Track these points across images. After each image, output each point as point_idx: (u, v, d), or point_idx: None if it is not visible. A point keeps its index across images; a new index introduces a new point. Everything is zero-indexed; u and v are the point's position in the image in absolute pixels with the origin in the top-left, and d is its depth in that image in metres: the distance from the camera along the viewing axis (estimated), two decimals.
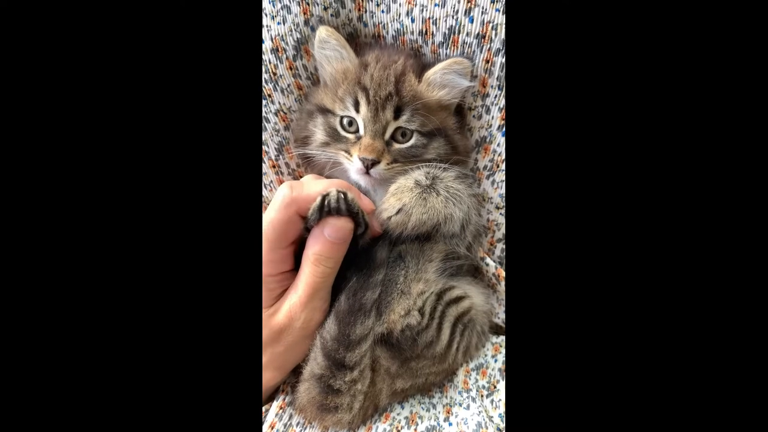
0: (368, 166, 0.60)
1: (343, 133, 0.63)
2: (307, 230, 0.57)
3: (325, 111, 0.64)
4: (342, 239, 0.55)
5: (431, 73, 0.62)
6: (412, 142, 0.62)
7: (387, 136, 0.61)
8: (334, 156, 0.63)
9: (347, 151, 0.62)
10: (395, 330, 0.58)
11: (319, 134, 0.64)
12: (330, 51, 0.63)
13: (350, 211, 0.54)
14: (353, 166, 0.61)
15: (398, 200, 0.57)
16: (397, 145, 0.62)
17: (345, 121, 0.63)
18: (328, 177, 0.65)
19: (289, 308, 0.58)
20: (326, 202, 0.53)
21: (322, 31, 0.62)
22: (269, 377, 0.61)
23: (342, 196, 0.54)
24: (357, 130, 0.62)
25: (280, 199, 0.56)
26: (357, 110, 0.61)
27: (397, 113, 0.61)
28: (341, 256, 0.57)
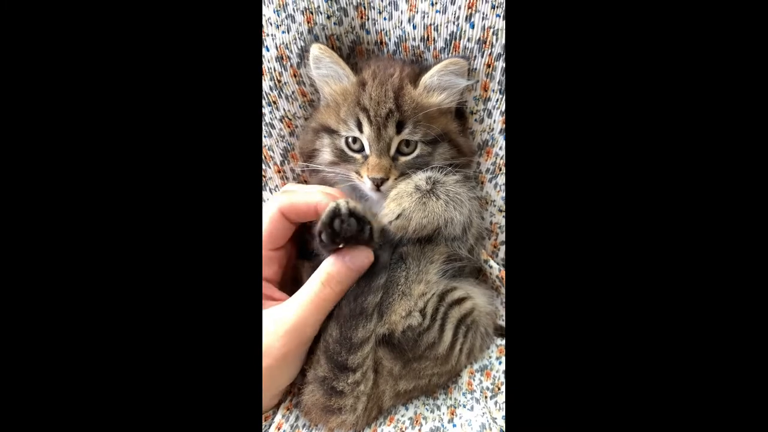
0: (378, 184, 0.62)
1: (350, 153, 0.64)
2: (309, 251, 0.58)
3: (330, 131, 0.65)
4: (360, 267, 0.55)
5: (428, 77, 0.62)
6: (417, 152, 0.63)
7: (392, 151, 0.63)
8: (346, 176, 0.65)
9: (358, 173, 0.64)
10: (396, 331, 0.58)
11: (326, 154, 0.66)
12: (325, 69, 0.64)
13: (360, 221, 0.52)
14: (365, 186, 0.63)
15: (398, 205, 0.58)
16: (403, 158, 0.63)
17: (350, 140, 0.64)
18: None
19: (276, 328, 0.54)
20: (337, 217, 0.52)
21: (315, 49, 0.63)
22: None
23: (349, 211, 0.52)
24: (362, 149, 0.64)
25: (274, 202, 0.58)
26: (360, 130, 0.63)
27: (399, 128, 0.62)
28: (351, 284, 0.56)
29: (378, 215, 0.58)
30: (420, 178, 0.60)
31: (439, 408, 0.63)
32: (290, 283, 0.63)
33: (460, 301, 0.62)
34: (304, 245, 0.66)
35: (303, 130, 0.70)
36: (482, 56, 0.62)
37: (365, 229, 0.53)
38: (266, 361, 0.54)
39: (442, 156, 0.64)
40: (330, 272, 0.54)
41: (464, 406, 0.62)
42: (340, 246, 0.54)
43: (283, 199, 0.58)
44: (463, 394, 0.63)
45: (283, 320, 0.54)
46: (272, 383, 0.59)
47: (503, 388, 0.60)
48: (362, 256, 0.55)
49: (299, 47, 0.65)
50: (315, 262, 0.58)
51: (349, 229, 0.52)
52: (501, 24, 0.60)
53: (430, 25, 0.63)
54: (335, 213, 0.52)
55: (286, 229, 0.60)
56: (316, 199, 0.57)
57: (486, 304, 0.65)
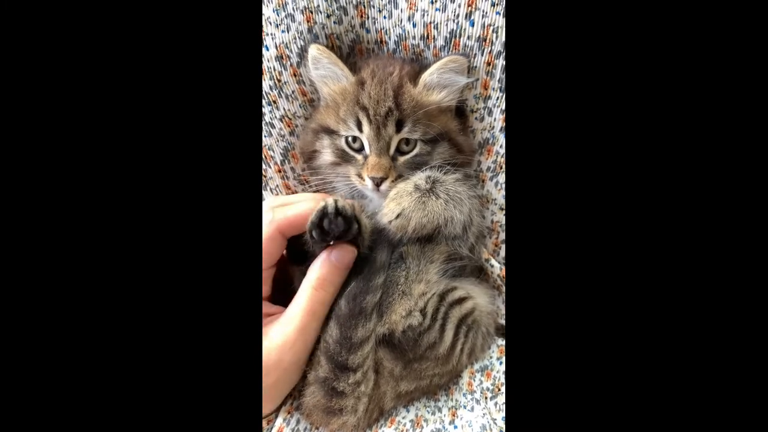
0: (378, 183, 0.62)
1: (351, 153, 0.64)
2: (301, 255, 0.58)
3: (329, 131, 0.65)
4: (347, 263, 0.57)
5: (427, 75, 0.62)
6: (416, 150, 0.63)
7: (392, 150, 0.63)
8: (347, 178, 0.65)
9: (359, 175, 0.63)
10: (397, 331, 0.58)
11: (327, 155, 0.66)
12: (323, 70, 0.64)
13: (347, 221, 0.54)
14: (367, 187, 0.63)
15: (398, 205, 0.58)
16: (402, 157, 0.63)
17: (350, 139, 0.64)
18: (333, 189, 0.66)
19: (281, 341, 0.55)
20: (326, 217, 0.54)
21: (314, 50, 0.63)
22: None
23: (336, 211, 0.54)
24: (362, 148, 0.64)
25: (269, 222, 0.57)
26: (360, 129, 0.63)
27: (399, 126, 0.62)
28: (341, 282, 0.58)
29: (377, 214, 0.58)
30: (419, 177, 0.60)
31: (440, 410, 0.63)
32: (280, 289, 0.63)
33: (460, 300, 0.62)
34: (293, 250, 0.65)
35: (303, 131, 0.70)
36: (482, 54, 0.62)
37: (353, 226, 0.55)
38: (276, 375, 0.56)
39: (442, 155, 0.63)
40: (321, 275, 0.56)
41: (465, 407, 0.62)
42: (331, 243, 0.56)
43: (279, 217, 0.57)
44: (464, 394, 0.63)
45: (286, 334, 0.55)
46: (278, 393, 0.60)
47: (503, 389, 0.60)
48: (346, 253, 0.57)
49: (299, 46, 0.65)
50: (305, 266, 0.59)
51: (337, 228, 0.53)
52: (501, 22, 0.59)
53: (430, 23, 0.63)
54: (323, 213, 0.54)
55: (281, 246, 0.60)
56: (309, 207, 0.56)
57: (487, 303, 0.65)
